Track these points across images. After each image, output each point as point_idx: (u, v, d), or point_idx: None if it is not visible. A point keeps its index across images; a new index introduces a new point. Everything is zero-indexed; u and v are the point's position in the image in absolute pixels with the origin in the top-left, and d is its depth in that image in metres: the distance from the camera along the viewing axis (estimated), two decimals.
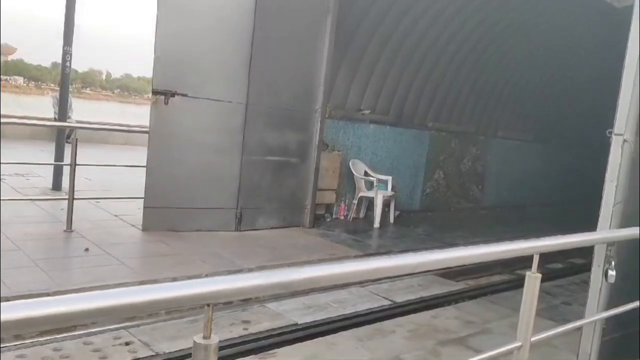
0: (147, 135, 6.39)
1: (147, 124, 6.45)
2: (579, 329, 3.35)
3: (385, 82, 9.22)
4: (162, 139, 6.33)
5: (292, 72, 7.32)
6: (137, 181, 6.94)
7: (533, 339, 2.14)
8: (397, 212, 8.99)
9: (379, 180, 8.64)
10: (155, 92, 6.27)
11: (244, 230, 6.96)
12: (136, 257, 5.66)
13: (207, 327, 1.27)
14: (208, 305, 1.27)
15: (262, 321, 4.30)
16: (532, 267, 2.14)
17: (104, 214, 6.88)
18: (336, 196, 8.54)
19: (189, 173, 6.52)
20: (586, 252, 3.41)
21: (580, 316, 3.76)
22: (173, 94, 6.31)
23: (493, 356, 2.03)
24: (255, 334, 4.07)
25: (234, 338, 3.94)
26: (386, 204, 8.65)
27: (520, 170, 12.34)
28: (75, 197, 5.93)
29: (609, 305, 3.22)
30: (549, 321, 4.26)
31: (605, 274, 3.04)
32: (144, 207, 6.31)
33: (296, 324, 4.35)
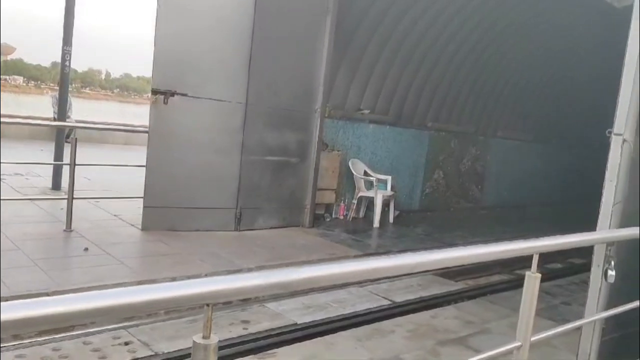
0: (146, 134, 6.39)
1: (147, 123, 6.45)
2: (579, 328, 3.35)
3: (385, 82, 9.22)
4: (162, 138, 6.33)
5: (292, 72, 7.32)
6: (136, 181, 6.94)
7: (533, 338, 2.14)
8: (397, 212, 8.99)
9: (379, 180, 8.64)
10: (154, 92, 6.27)
11: (244, 230, 6.95)
12: (135, 256, 5.66)
13: (207, 327, 1.27)
14: (207, 305, 1.27)
15: (261, 321, 4.29)
16: (532, 267, 2.14)
17: (103, 214, 6.88)
18: (336, 196, 8.54)
19: (189, 173, 6.52)
20: (586, 252, 3.41)
21: (580, 316, 3.76)
22: (172, 94, 6.31)
23: (493, 356, 2.03)
24: (255, 333, 4.07)
25: (234, 338, 3.94)
26: (386, 204, 8.64)
27: (520, 170, 12.35)
28: (74, 196, 5.92)
29: (609, 305, 3.22)
30: (548, 321, 4.26)
31: (605, 274, 3.04)
32: (144, 207, 6.31)
33: (295, 324, 4.35)
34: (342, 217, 8.62)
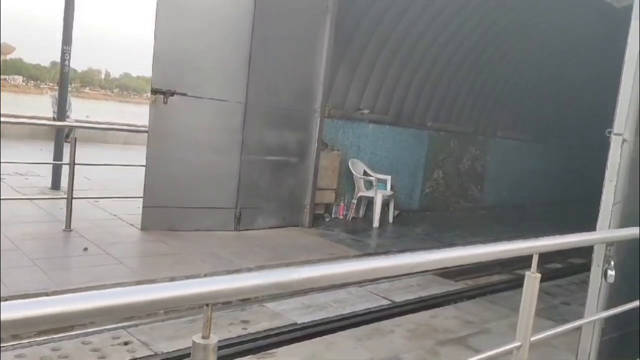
0: (146, 134, 6.38)
1: (146, 123, 6.45)
2: (578, 328, 3.35)
3: (385, 82, 9.22)
4: (161, 138, 6.33)
5: (292, 71, 7.31)
6: (136, 180, 6.94)
7: (532, 338, 2.14)
8: (396, 212, 8.99)
9: (378, 180, 8.64)
10: (154, 92, 6.26)
11: (243, 230, 6.95)
12: (135, 256, 5.66)
13: (206, 326, 1.27)
14: (207, 305, 1.27)
15: (261, 321, 4.29)
16: (532, 266, 2.14)
17: (103, 214, 6.88)
18: (335, 196, 8.54)
19: (188, 172, 6.52)
20: (585, 251, 3.41)
21: (579, 316, 3.76)
22: (172, 93, 6.30)
23: (492, 356, 2.03)
24: (254, 333, 4.06)
25: (233, 338, 3.94)
26: (385, 204, 8.64)
27: (520, 170, 12.35)
28: (74, 196, 5.92)
29: (608, 305, 3.22)
30: (548, 321, 4.26)
31: (605, 274, 3.04)
32: (143, 207, 6.30)
33: (295, 324, 4.34)
34: (341, 217, 8.62)
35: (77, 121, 12.68)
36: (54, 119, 11.37)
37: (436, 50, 9.54)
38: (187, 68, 6.41)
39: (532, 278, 2.13)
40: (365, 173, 8.77)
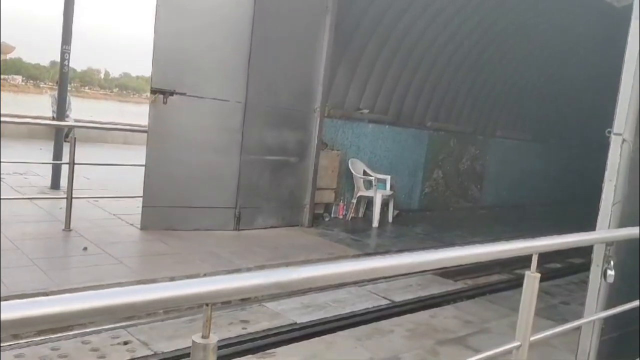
0: (145, 134, 6.38)
1: (146, 123, 6.44)
2: (578, 328, 3.36)
3: (384, 82, 9.22)
4: (161, 138, 6.33)
5: (291, 71, 7.31)
6: (135, 180, 6.94)
7: (532, 338, 2.14)
8: (396, 212, 8.99)
9: (378, 180, 8.64)
10: (153, 91, 6.26)
11: (243, 230, 6.95)
12: (135, 256, 5.66)
13: (206, 326, 1.27)
14: (207, 304, 1.27)
15: (260, 321, 4.29)
16: (531, 266, 2.14)
17: (102, 213, 6.88)
18: (335, 195, 8.54)
19: (188, 172, 6.52)
20: (585, 251, 3.41)
21: (579, 316, 3.76)
22: (172, 93, 6.30)
23: (492, 356, 2.03)
24: (254, 333, 4.06)
25: (233, 337, 3.94)
26: (385, 204, 8.64)
27: (519, 170, 12.36)
28: (73, 196, 5.92)
29: (608, 305, 3.22)
30: (547, 321, 4.26)
31: (604, 274, 3.04)
32: (143, 206, 6.30)
33: (295, 324, 4.34)
34: (341, 217, 8.62)
35: (76, 121, 12.67)
36: (53, 119, 11.36)
37: (436, 50, 9.54)
38: (187, 68, 6.41)
39: (531, 278, 2.13)
40: (364, 173, 8.77)
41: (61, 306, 1.07)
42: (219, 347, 1.30)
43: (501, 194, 12.20)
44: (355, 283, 5.23)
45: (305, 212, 7.69)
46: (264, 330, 4.13)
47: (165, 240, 6.02)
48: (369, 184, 8.65)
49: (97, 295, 1.13)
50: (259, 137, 7.07)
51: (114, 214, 6.86)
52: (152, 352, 3.60)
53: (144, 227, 6.30)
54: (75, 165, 5.88)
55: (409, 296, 5.34)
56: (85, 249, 5.35)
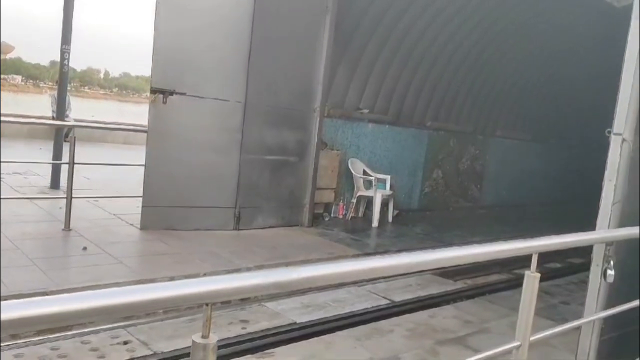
0: (145, 134, 6.38)
1: (146, 122, 6.44)
2: (578, 328, 3.36)
3: (384, 81, 9.22)
4: (161, 137, 6.32)
5: (291, 71, 7.31)
6: (135, 180, 6.94)
7: (532, 338, 2.14)
8: (396, 211, 8.99)
9: (378, 180, 8.64)
10: (153, 91, 6.26)
11: (243, 229, 6.95)
12: (134, 256, 5.65)
13: (206, 326, 1.27)
14: (207, 304, 1.27)
15: (260, 320, 4.29)
16: (531, 266, 2.14)
17: (102, 213, 6.88)
18: (335, 195, 8.54)
19: (188, 172, 6.52)
20: (585, 251, 3.41)
21: (579, 315, 3.76)
22: (171, 93, 6.30)
23: (492, 355, 2.03)
24: (254, 333, 4.06)
25: (233, 337, 3.94)
26: (385, 203, 8.64)
27: (519, 170, 12.36)
28: (73, 196, 5.92)
29: (608, 305, 3.22)
30: (547, 320, 4.26)
31: (604, 274, 3.04)
32: (143, 206, 6.30)
33: (294, 324, 4.34)
34: (341, 217, 8.62)
35: (76, 120, 12.66)
36: (53, 118, 11.35)
37: (436, 49, 9.54)
38: (187, 67, 6.41)
39: (531, 277, 2.13)
40: (364, 172, 8.77)
41: (61, 306, 1.07)
42: (219, 347, 1.30)
43: (501, 194, 12.20)
44: (354, 283, 5.23)
45: (305, 212, 7.69)
46: (263, 330, 4.13)
47: (165, 240, 6.02)
48: (368, 184, 8.65)
49: (97, 295, 1.13)
50: (258, 136, 7.07)
51: (113, 214, 6.85)
52: (151, 352, 3.60)
53: (143, 226, 6.30)
54: (75, 165, 5.87)
55: (408, 296, 5.34)
56: (84, 248, 5.35)
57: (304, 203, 7.68)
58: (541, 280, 2.16)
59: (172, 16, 6.21)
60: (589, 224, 3.38)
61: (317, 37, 7.49)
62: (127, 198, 6.91)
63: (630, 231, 2.82)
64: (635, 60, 3.29)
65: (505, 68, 10.97)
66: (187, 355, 1.33)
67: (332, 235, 7.36)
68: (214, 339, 1.27)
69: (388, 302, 5.11)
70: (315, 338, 3.99)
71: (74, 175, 5.94)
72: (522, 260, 2.18)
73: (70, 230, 5.86)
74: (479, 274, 6.56)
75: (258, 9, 6.73)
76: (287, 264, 5.53)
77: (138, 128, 8.97)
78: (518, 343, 2.11)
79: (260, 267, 5.39)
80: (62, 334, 3.66)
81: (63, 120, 8.71)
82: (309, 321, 4.43)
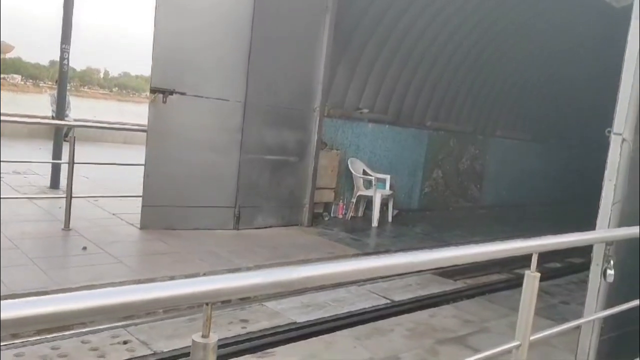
0: (145, 133, 6.38)
1: (146, 122, 6.44)
2: (578, 328, 3.36)
3: (384, 81, 9.22)
4: (161, 137, 6.32)
5: (291, 70, 7.31)
6: (135, 180, 6.93)
7: (532, 337, 2.14)
8: (396, 211, 8.99)
9: (378, 179, 8.64)
10: (153, 91, 6.26)
11: (242, 229, 6.95)
12: (134, 255, 5.65)
13: (206, 325, 1.27)
14: (207, 304, 1.27)
15: (260, 320, 4.29)
16: (531, 266, 2.14)
17: (102, 213, 6.88)
18: (335, 195, 8.54)
19: (188, 171, 6.52)
20: (585, 251, 3.41)
21: (579, 315, 3.76)
22: (171, 92, 6.30)
23: (492, 355, 2.03)
24: (254, 332, 4.06)
25: (233, 337, 3.94)
26: (384, 203, 8.64)
27: (519, 170, 12.36)
28: (73, 195, 5.92)
29: (607, 305, 3.22)
30: (547, 320, 4.26)
31: (604, 273, 3.04)
32: (142, 206, 6.30)
33: (294, 323, 4.34)
34: (340, 216, 8.62)
35: (76, 120, 12.66)
36: (52, 118, 11.35)
37: (436, 49, 9.54)
38: (187, 67, 6.41)
39: (531, 277, 2.13)
40: (364, 172, 8.77)
41: (61, 305, 1.07)
42: (219, 347, 1.30)
43: (501, 194, 12.20)
44: (354, 282, 5.22)
45: (305, 212, 7.69)
46: (263, 330, 4.13)
47: (164, 239, 6.02)
48: (368, 184, 8.65)
49: (97, 294, 1.13)
50: (258, 136, 7.07)
51: (113, 214, 6.85)
52: (151, 352, 3.60)
53: (143, 226, 6.30)
54: (75, 165, 5.87)
55: (408, 295, 5.34)
56: (84, 248, 5.35)
57: (303, 203, 7.68)
58: (541, 280, 2.16)
59: (172, 16, 6.21)
60: (589, 224, 3.39)
61: (317, 36, 7.49)
62: (126, 198, 6.90)
63: (630, 231, 2.82)
64: (635, 60, 3.29)
65: (505, 68, 10.97)
66: (187, 354, 1.33)
67: (331, 235, 7.36)
68: (214, 338, 1.27)
69: (388, 301, 5.12)
70: (315, 338, 3.99)
71: (74, 175, 5.94)
72: (522, 260, 2.18)
73: (70, 229, 5.86)
74: (479, 274, 6.56)
75: (258, 8, 6.73)
76: (287, 264, 5.53)
77: (138, 127, 8.97)
78: (518, 343, 2.11)
79: (260, 267, 5.39)
80: (62, 333, 3.66)
81: (63, 119, 8.70)
82: (309, 321, 4.43)
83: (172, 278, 4.58)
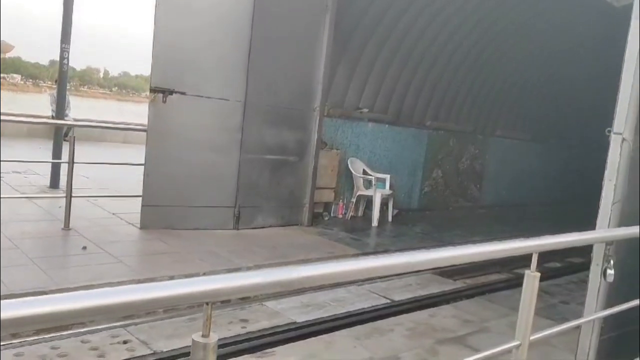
0: (145, 133, 6.38)
1: (145, 122, 6.44)
2: (577, 327, 3.36)
3: (384, 81, 9.22)
4: (161, 137, 6.32)
5: (291, 70, 7.31)
6: (135, 179, 6.93)
7: (532, 337, 2.14)
8: (396, 211, 8.99)
9: (378, 179, 8.64)
10: (153, 90, 6.26)
11: (242, 229, 6.95)
12: (134, 255, 5.65)
13: (206, 325, 1.27)
14: (207, 303, 1.27)
15: (260, 320, 4.29)
16: (531, 266, 2.14)
17: (101, 212, 6.87)
18: (335, 195, 8.53)
19: (187, 171, 6.52)
20: (585, 251, 3.41)
21: (578, 315, 3.76)
22: (171, 92, 6.30)
23: (492, 355, 2.03)
24: (254, 332, 4.06)
25: (233, 336, 3.94)
26: (384, 203, 8.64)
27: (519, 170, 12.36)
28: (73, 195, 5.92)
29: (608, 304, 3.22)
30: (547, 320, 4.26)
31: (604, 273, 3.04)
32: (142, 205, 6.30)
33: (294, 323, 4.34)
34: (340, 216, 8.62)
35: (76, 120, 12.66)
36: (52, 118, 11.35)
37: (436, 49, 9.54)
38: (187, 67, 6.40)
39: (531, 277, 2.13)
40: (364, 172, 8.77)
41: (60, 305, 1.07)
42: (219, 346, 1.30)
43: (501, 194, 12.20)
44: (354, 282, 5.22)
45: (305, 211, 7.69)
46: (263, 329, 4.13)
47: (164, 239, 6.02)
48: (368, 183, 8.65)
49: (97, 294, 1.13)
50: (258, 136, 7.07)
51: (113, 213, 6.85)
52: (151, 351, 3.60)
53: (143, 226, 6.30)
54: (75, 164, 5.87)
55: (408, 295, 5.34)
56: (84, 248, 5.35)
57: (303, 202, 7.68)
58: (541, 279, 2.16)
59: (172, 15, 6.21)
60: (589, 224, 3.38)
61: (317, 36, 7.49)
62: (126, 197, 6.90)
63: (630, 231, 2.82)
64: (635, 60, 3.29)
65: (505, 68, 10.97)
66: (187, 354, 1.33)
67: (331, 235, 7.36)
68: (214, 338, 1.27)
69: (388, 301, 5.12)
70: (315, 337, 3.99)
71: (74, 175, 5.94)
72: (522, 260, 2.18)
73: (69, 229, 5.86)
74: (479, 274, 6.56)
75: (258, 8, 6.73)
76: (287, 264, 5.53)
77: (138, 127, 8.96)
78: (518, 342, 2.11)
79: (259, 267, 5.39)
80: (62, 333, 3.66)
81: (62, 119, 8.70)
82: (309, 320, 4.43)
83: (172, 278, 4.58)
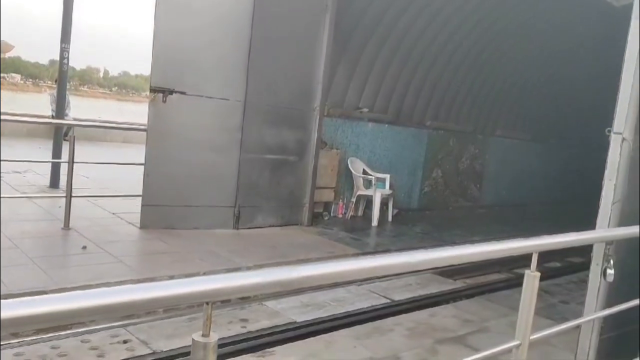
0: (145, 133, 6.38)
1: (145, 121, 6.44)
2: (577, 327, 3.36)
3: (384, 81, 9.22)
4: (160, 136, 6.32)
5: (291, 70, 7.31)
6: (135, 179, 6.93)
7: (532, 337, 2.14)
8: (395, 211, 8.99)
9: (377, 179, 8.64)
10: (153, 90, 6.26)
11: (242, 229, 6.95)
12: (134, 254, 5.65)
13: (206, 325, 1.27)
14: (207, 303, 1.27)
15: (260, 319, 4.29)
16: (531, 265, 2.14)
17: (101, 212, 6.87)
18: (334, 194, 8.54)
19: (187, 171, 6.52)
20: (584, 250, 3.41)
21: (578, 315, 3.76)
22: (171, 92, 6.30)
23: (492, 355, 2.03)
24: (254, 332, 4.06)
25: (233, 336, 3.94)
26: (384, 203, 8.64)
27: (519, 169, 12.36)
28: (72, 194, 5.92)
29: (607, 304, 3.22)
30: (546, 320, 4.26)
31: (604, 273, 3.04)
32: (142, 205, 6.30)
33: (294, 323, 4.34)
34: (340, 216, 8.62)
35: (75, 119, 12.66)
36: (52, 117, 11.34)
37: (435, 49, 9.54)
38: (186, 67, 6.40)
39: (531, 277, 2.13)
40: (364, 172, 8.77)
41: (60, 305, 1.07)
42: (219, 346, 1.30)
43: (501, 194, 12.20)
44: (354, 282, 5.22)
45: (305, 211, 7.69)
46: (263, 329, 4.13)
47: (164, 239, 6.02)
48: (368, 183, 8.65)
49: (97, 293, 1.13)
50: (258, 136, 7.07)
51: (113, 213, 6.85)
52: (151, 351, 3.60)
53: (143, 225, 6.30)
54: (75, 164, 5.87)
55: (408, 295, 5.34)
56: (84, 247, 5.35)
57: (303, 202, 7.68)
58: (541, 279, 2.16)
59: (172, 15, 6.21)
60: (589, 224, 3.38)
61: (317, 36, 7.49)
62: (126, 197, 6.90)
63: (630, 230, 2.82)
64: (635, 60, 3.29)
65: (505, 68, 10.97)
66: (187, 354, 1.33)
67: (331, 235, 7.36)
68: (214, 337, 1.27)
69: (388, 301, 5.11)
70: (315, 337, 3.99)
71: (74, 174, 5.94)
72: (522, 260, 2.18)
73: (69, 229, 5.86)
74: (478, 273, 6.56)
75: (258, 8, 6.73)
76: (286, 263, 5.53)
77: (138, 127, 8.96)
78: (518, 342, 2.11)
79: (260, 266, 5.39)
80: (62, 333, 3.66)
81: (62, 119, 8.70)
82: (309, 320, 4.43)
83: (172, 277, 4.58)
